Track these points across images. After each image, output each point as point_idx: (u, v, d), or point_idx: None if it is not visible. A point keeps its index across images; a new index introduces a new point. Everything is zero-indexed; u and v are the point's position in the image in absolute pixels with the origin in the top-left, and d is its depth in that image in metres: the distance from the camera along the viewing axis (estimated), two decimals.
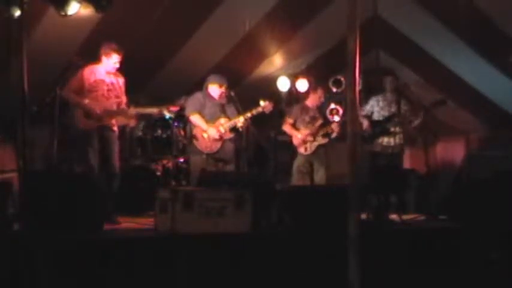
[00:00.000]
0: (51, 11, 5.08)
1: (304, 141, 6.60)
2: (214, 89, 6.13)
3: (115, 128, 5.37)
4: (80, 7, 4.52)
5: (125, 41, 5.58)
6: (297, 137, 6.64)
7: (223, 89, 6.12)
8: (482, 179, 5.89)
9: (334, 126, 6.65)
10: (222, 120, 6.06)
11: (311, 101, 6.84)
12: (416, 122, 6.43)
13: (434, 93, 7.49)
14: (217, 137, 5.97)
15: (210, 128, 5.99)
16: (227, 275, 4.07)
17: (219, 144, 6.03)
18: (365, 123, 6.57)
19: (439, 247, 4.87)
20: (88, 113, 5.17)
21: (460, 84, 7.31)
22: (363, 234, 2.38)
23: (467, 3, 5.94)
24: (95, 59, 5.44)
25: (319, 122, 6.66)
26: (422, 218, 5.94)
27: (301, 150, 6.62)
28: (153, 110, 5.58)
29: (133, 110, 5.39)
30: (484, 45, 6.60)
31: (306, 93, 7.12)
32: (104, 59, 5.31)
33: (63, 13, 4.49)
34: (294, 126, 6.73)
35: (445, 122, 8.02)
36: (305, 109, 6.81)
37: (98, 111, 5.20)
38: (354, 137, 2.48)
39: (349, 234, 2.40)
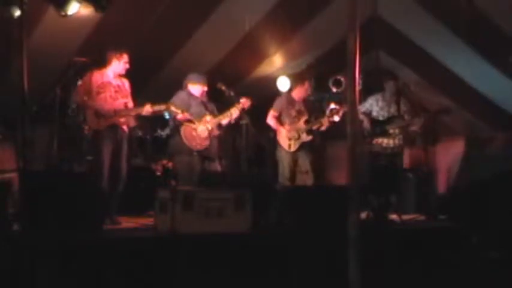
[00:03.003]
0: (51, 11, 5.08)
1: (289, 138, 6.54)
2: (196, 88, 6.12)
3: (125, 128, 5.38)
4: (80, 7, 4.52)
5: (125, 41, 5.59)
6: (282, 133, 6.53)
7: (205, 88, 6.13)
8: (482, 180, 5.89)
9: (324, 120, 6.42)
10: (208, 117, 6.05)
11: (297, 94, 6.66)
12: (417, 125, 6.41)
13: (435, 94, 7.50)
14: (206, 133, 5.98)
15: (200, 125, 5.98)
16: (227, 275, 4.07)
17: (207, 142, 6.02)
18: (365, 121, 6.54)
19: (439, 247, 4.87)
20: (101, 113, 5.19)
21: (460, 84, 7.31)
22: (363, 234, 2.38)
23: (467, 3, 5.94)
24: (96, 58, 5.45)
25: (305, 117, 6.55)
26: (422, 218, 5.94)
27: (285, 146, 6.55)
28: (162, 107, 5.57)
29: (149, 108, 5.39)
30: (484, 45, 6.59)
31: (294, 86, 6.98)
32: (114, 61, 5.33)
33: (63, 13, 4.49)
34: (279, 119, 6.60)
35: (445, 122, 8.02)
36: (291, 102, 6.65)
37: (112, 109, 5.23)
38: (354, 137, 2.48)
39: (349, 234, 2.40)
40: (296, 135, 6.47)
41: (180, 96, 6.08)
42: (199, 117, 6.02)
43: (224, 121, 6.11)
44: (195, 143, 5.94)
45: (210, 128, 6.01)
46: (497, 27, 6.21)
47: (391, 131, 6.47)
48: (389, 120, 6.51)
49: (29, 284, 3.21)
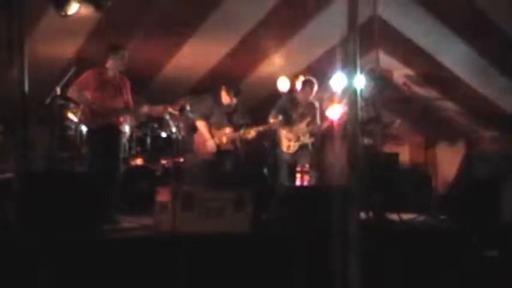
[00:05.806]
0: (51, 11, 5.09)
1: (289, 139, 6.53)
2: (225, 98, 6.15)
3: (122, 128, 5.37)
4: (80, 7, 4.53)
5: (125, 42, 5.59)
6: (282, 134, 6.52)
7: (233, 102, 6.16)
8: (482, 180, 5.89)
9: (324, 124, 6.45)
10: (227, 129, 6.06)
11: (301, 95, 6.68)
12: (396, 124, 6.36)
13: (431, 92, 7.50)
14: (214, 151, 6.02)
15: (214, 136, 6.03)
16: (227, 275, 4.07)
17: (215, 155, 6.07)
18: None
19: (439, 247, 4.87)
20: (95, 111, 5.17)
21: (460, 84, 7.31)
22: (363, 234, 2.38)
23: (467, 3, 5.94)
24: (95, 58, 5.45)
25: (307, 120, 6.55)
26: (422, 218, 5.94)
27: (284, 147, 6.52)
28: (159, 108, 5.58)
29: (146, 108, 5.38)
30: (484, 45, 6.60)
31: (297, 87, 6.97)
32: (111, 58, 5.32)
33: (63, 13, 4.50)
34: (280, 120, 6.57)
35: (445, 122, 8.02)
36: (294, 103, 6.66)
37: (106, 108, 5.21)
38: (353, 136, 2.49)
39: (349, 234, 2.40)
40: (295, 137, 6.47)
41: (205, 100, 6.13)
42: (219, 127, 6.05)
43: (245, 137, 6.12)
44: (202, 153, 5.99)
45: (224, 141, 6.04)
46: (497, 27, 6.21)
47: (369, 130, 6.40)
48: (369, 121, 6.43)
49: (29, 284, 3.21)
